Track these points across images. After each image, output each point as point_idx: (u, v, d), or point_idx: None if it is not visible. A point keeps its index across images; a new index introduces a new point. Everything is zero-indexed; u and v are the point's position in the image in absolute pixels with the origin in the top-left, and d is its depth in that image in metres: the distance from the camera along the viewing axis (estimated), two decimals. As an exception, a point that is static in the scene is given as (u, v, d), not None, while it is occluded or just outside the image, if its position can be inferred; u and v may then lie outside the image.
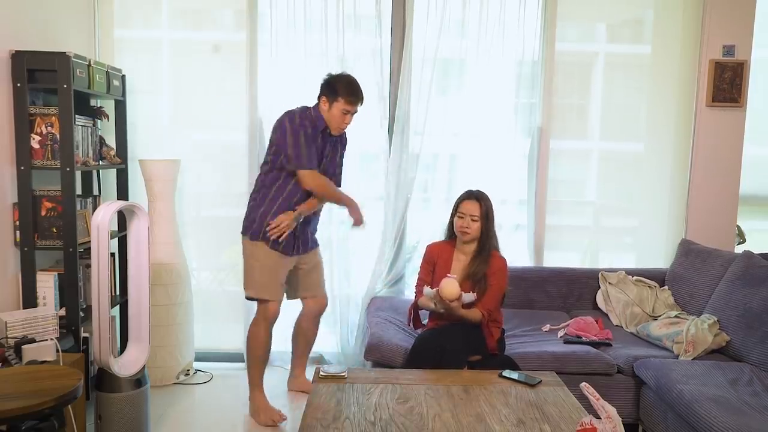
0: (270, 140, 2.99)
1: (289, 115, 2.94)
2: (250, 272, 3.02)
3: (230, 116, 3.70)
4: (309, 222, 3.13)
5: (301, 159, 2.88)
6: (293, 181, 2.95)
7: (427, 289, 2.82)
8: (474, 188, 2.94)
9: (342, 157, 3.18)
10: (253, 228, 2.98)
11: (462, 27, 3.63)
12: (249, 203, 3.05)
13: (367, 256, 3.70)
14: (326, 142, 3.03)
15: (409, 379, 2.44)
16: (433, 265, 2.96)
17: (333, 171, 3.11)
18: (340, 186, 3.16)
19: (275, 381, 3.48)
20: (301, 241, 3.09)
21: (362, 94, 2.97)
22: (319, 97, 2.98)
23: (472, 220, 2.84)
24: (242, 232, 3.04)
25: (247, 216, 3.04)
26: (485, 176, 3.69)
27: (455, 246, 2.95)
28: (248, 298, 3.07)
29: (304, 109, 2.98)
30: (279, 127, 2.94)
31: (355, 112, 2.98)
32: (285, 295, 3.14)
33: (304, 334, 3.33)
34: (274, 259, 3.00)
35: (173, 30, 3.71)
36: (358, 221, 3.11)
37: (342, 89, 2.91)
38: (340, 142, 3.14)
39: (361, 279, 3.71)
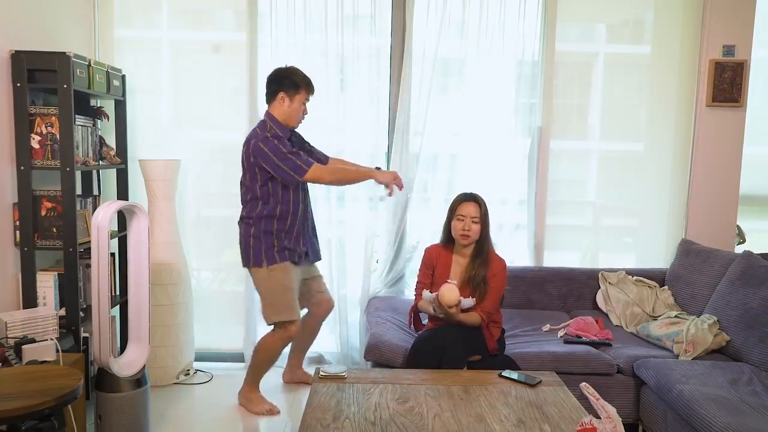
0: (244, 168, 2.95)
1: (258, 137, 2.89)
2: (271, 299, 2.99)
3: (230, 116, 3.70)
4: (309, 227, 3.15)
5: (299, 168, 2.87)
6: (278, 195, 2.93)
7: (426, 293, 2.81)
8: (470, 191, 2.92)
9: (306, 144, 3.22)
10: (269, 254, 2.95)
11: (462, 27, 3.63)
12: (247, 236, 2.97)
13: (367, 255, 3.69)
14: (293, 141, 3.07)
15: (409, 379, 2.44)
16: (432, 269, 2.95)
17: (315, 155, 3.18)
18: (328, 158, 3.24)
19: (272, 380, 3.49)
20: (311, 249, 3.15)
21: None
22: (272, 97, 2.97)
23: (473, 222, 2.82)
24: (253, 265, 2.97)
25: (252, 247, 2.96)
26: (485, 176, 3.69)
27: (453, 250, 2.95)
28: (272, 324, 3.04)
29: (263, 126, 2.95)
30: (258, 153, 2.86)
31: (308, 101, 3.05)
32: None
33: (310, 332, 3.39)
34: (291, 277, 3.00)
35: (173, 30, 3.71)
36: (395, 184, 3.09)
37: (302, 81, 2.96)
38: (297, 138, 3.16)
39: (360, 279, 3.71)
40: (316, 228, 3.26)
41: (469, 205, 2.84)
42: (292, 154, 2.89)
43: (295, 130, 3.10)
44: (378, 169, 3.13)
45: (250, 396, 3.16)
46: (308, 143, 3.22)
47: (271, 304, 3.00)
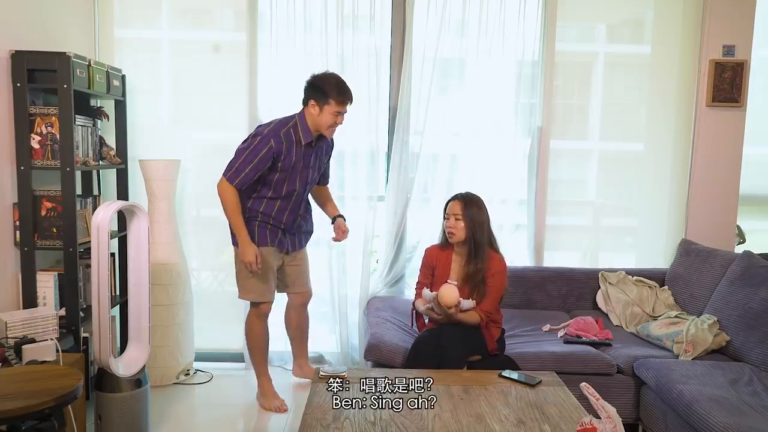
0: None
1: (258, 130, 2.94)
2: (240, 278, 3.10)
3: (230, 116, 3.69)
4: (305, 222, 3.20)
5: (230, 169, 2.89)
6: (269, 193, 2.98)
7: (426, 292, 2.81)
8: (465, 191, 2.93)
9: (329, 159, 3.23)
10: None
11: (462, 27, 3.62)
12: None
13: (367, 255, 3.69)
14: (312, 152, 3.01)
15: (409, 379, 2.43)
16: (432, 269, 2.96)
17: (315, 177, 3.14)
18: (327, 182, 3.27)
19: (275, 380, 3.48)
20: (297, 240, 3.19)
21: (351, 93, 2.94)
22: (306, 102, 2.94)
23: (456, 220, 2.83)
24: (233, 243, 3.07)
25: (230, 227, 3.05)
26: (485, 176, 3.68)
27: (453, 250, 2.95)
28: (242, 299, 3.18)
29: (282, 124, 2.93)
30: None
31: (346, 111, 2.96)
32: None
33: (297, 323, 3.40)
34: (263, 263, 3.01)
35: (173, 30, 3.71)
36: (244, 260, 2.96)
37: (331, 90, 2.86)
38: (327, 147, 3.16)
39: (360, 279, 3.70)
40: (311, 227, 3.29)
41: (453, 203, 2.87)
42: (246, 165, 2.85)
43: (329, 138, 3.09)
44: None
45: (263, 391, 3.20)
46: (328, 159, 3.21)
47: (239, 281, 3.11)
